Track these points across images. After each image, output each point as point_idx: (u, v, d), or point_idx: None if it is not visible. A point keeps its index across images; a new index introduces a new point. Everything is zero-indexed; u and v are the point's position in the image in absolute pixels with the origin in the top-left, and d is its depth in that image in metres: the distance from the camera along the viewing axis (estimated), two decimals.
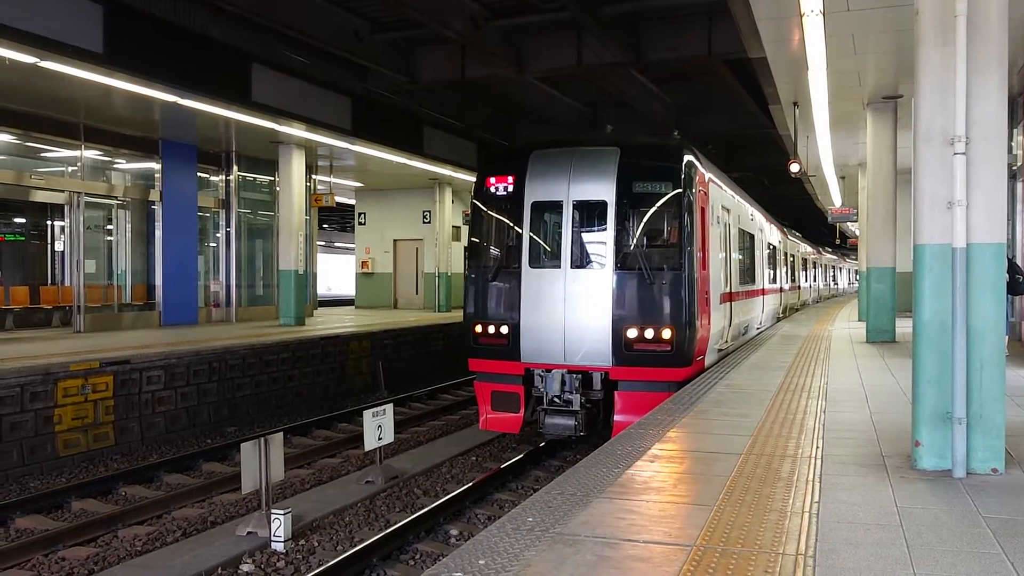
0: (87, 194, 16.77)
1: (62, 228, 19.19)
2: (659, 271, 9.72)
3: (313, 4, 14.02)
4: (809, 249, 36.31)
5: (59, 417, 10.44)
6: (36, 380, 10.20)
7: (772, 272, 20.59)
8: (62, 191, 16.49)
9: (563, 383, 9.65)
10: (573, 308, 9.74)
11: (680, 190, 9.80)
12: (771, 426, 6.87)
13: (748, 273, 15.70)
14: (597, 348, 9.67)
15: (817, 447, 6.08)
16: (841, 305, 34.60)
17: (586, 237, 10.02)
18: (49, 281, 21.05)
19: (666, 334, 9.55)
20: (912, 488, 4.98)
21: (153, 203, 18.26)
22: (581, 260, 9.92)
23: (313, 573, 6.67)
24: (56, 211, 19.92)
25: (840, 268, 62.54)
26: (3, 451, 9.80)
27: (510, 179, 10.23)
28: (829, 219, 26.96)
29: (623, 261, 9.77)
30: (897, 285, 14.94)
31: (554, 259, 9.99)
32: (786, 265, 25.01)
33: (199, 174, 19.38)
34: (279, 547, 7.44)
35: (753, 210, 16.99)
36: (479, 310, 10.29)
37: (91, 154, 17.05)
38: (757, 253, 17.05)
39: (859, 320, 20.73)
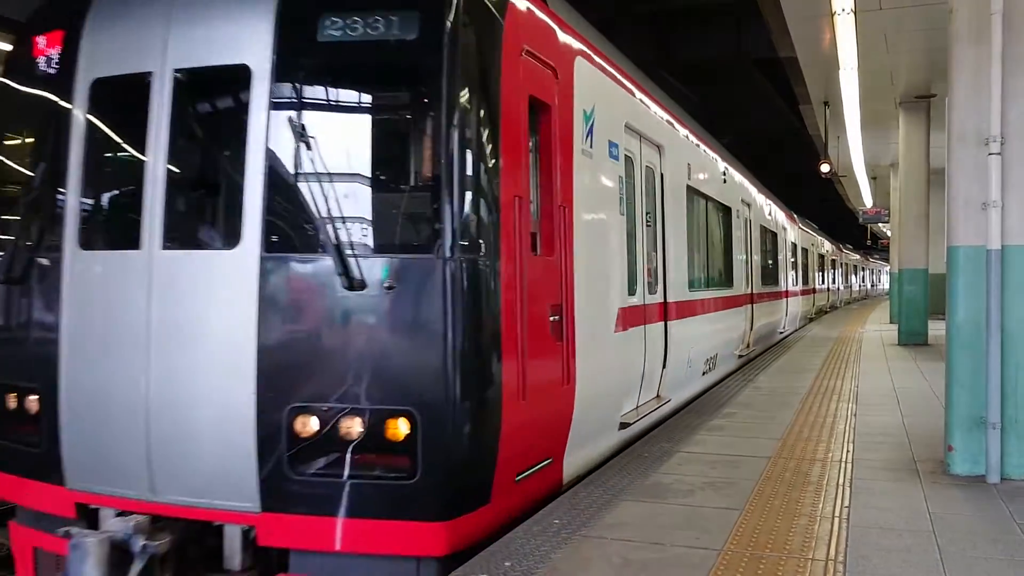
0: None
1: None
2: (391, 256, 3.93)
3: None
4: (829, 246, 30.63)
5: None
6: None
7: (771, 270, 15.44)
8: None
9: (114, 557, 3.88)
10: (169, 354, 4.04)
11: (449, 38, 3.96)
12: (800, 429, 6.80)
13: (721, 269, 10.64)
14: (224, 462, 3.96)
15: (848, 451, 6.01)
16: (870, 308, 34.22)
17: (205, 168, 4.36)
18: None
19: (400, 428, 3.82)
20: (945, 493, 4.90)
21: None
22: (189, 230, 4.27)
23: None
24: None
25: (865, 268, 61.47)
26: None
27: (60, 36, 4.56)
28: (860, 219, 26.72)
29: (292, 232, 4.05)
30: (930, 287, 14.77)
31: (130, 228, 4.18)
32: (795, 262, 19.23)
33: None
34: None
35: (727, 167, 11.15)
36: None
37: None
38: (737, 239, 11.69)
39: (891, 322, 20.50)
